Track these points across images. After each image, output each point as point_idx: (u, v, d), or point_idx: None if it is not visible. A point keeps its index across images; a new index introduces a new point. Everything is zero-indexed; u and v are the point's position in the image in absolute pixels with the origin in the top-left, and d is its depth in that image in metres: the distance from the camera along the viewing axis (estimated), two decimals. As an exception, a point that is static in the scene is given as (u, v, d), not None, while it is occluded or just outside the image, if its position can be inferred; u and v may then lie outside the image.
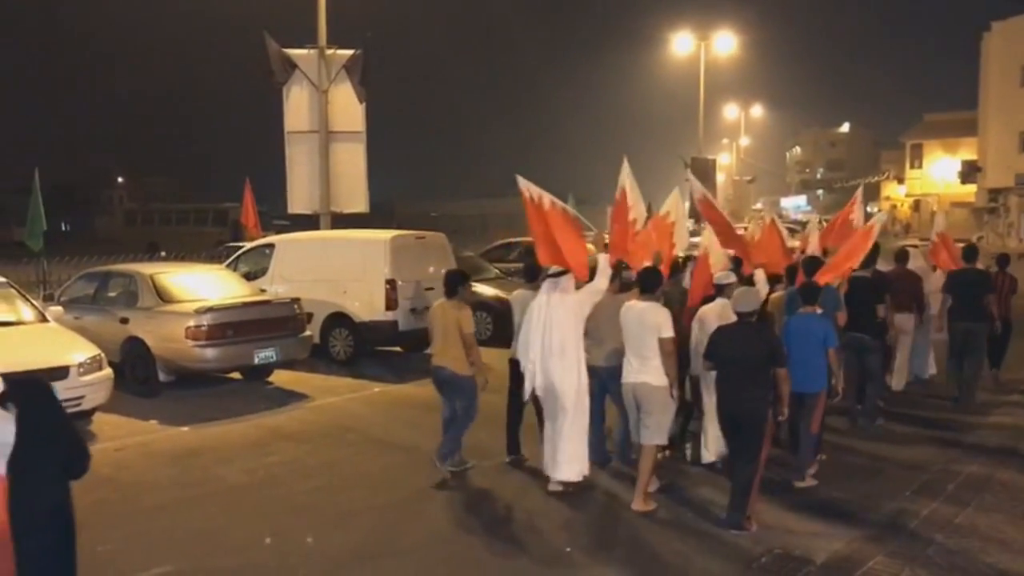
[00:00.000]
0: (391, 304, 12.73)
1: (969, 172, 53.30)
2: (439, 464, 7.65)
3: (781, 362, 6.52)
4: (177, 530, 6.62)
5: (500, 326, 14.86)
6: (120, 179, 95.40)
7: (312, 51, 16.10)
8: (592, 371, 7.44)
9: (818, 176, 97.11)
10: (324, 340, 13.02)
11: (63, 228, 72.98)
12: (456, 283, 7.81)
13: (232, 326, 10.74)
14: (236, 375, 11.88)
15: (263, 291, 12.73)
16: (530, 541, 6.42)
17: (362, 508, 7.12)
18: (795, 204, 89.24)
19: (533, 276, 8.14)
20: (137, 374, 11.03)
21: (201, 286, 11.61)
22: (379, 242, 13.08)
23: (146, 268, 12.24)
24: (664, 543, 6.35)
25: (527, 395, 7.55)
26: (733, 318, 6.85)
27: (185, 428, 9.62)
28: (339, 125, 16.22)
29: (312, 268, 13.45)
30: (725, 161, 66.62)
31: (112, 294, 11.77)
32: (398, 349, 13.95)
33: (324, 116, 16.01)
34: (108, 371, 9.54)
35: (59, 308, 11.45)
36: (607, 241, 8.44)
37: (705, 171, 39.54)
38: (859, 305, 9.14)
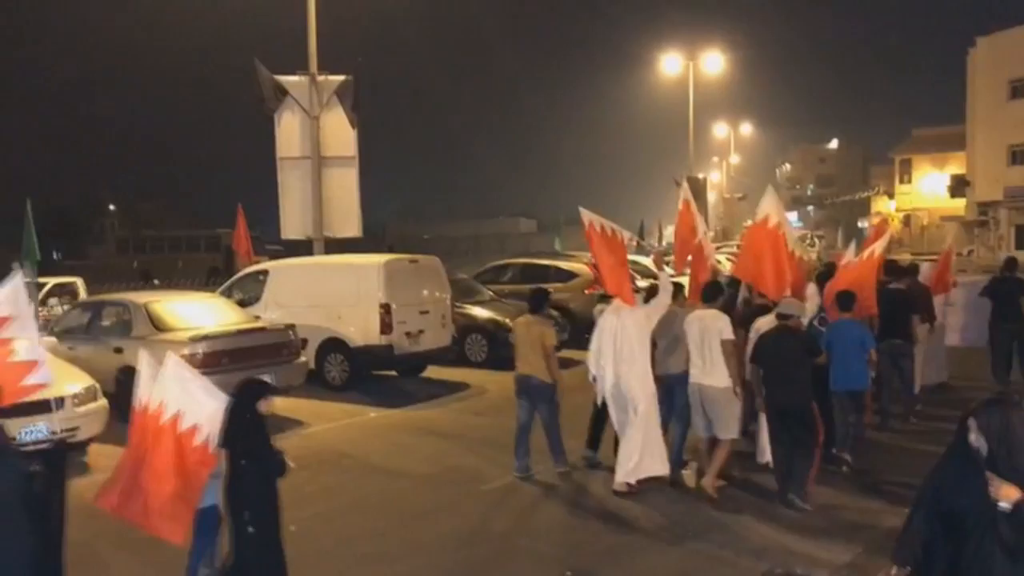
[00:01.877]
0: (386, 328, 12.72)
1: (958, 186, 53.58)
2: (557, 466, 8.43)
3: (816, 352, 7.60)
4: (177, 559, 6.57)
5: (494, 349, 14.88)
6: (112, 206, 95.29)
7: (303, 77, 16.16)
8: (662, 379, 8.10)
9: (808, 192, 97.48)
10: (319, 366, 13.00)
11: (55, 256, 72.75)
12: (541, 301, 8.72)
13: (227, 354, 10.71)
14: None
15: (257, 318, 12.71)
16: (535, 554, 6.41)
17: (360, 534, 7.10)
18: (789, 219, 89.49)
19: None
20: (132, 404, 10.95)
21: (195, 314, 11.59)
22: (373, 267, 13.08)
23: (140, 297, 12.22)
24: (669, 561, 6.34)
25: (599, 400, 8.20)
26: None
27: None
28: (331, 150, 16.26)
29: (306, 294, 13.44)
30: (716, 179, 66.96)
31: (106, 323, 11.74)
32: (393, 373, 13.94)
33: (316, 142, 16.05)
34: (103, 402, 9.50)
35: (53, 339, 11.41)
36: (667, 259, 9.45)
37: (696, 191, 39.76)
38: (894, 314, 9.98)
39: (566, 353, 15.74)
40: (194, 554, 5.38)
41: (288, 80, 16.10)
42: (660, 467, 7.87)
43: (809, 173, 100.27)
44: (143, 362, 5.53)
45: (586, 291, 17.21)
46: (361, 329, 12.84)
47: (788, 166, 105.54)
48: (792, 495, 7.32)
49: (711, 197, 50.94)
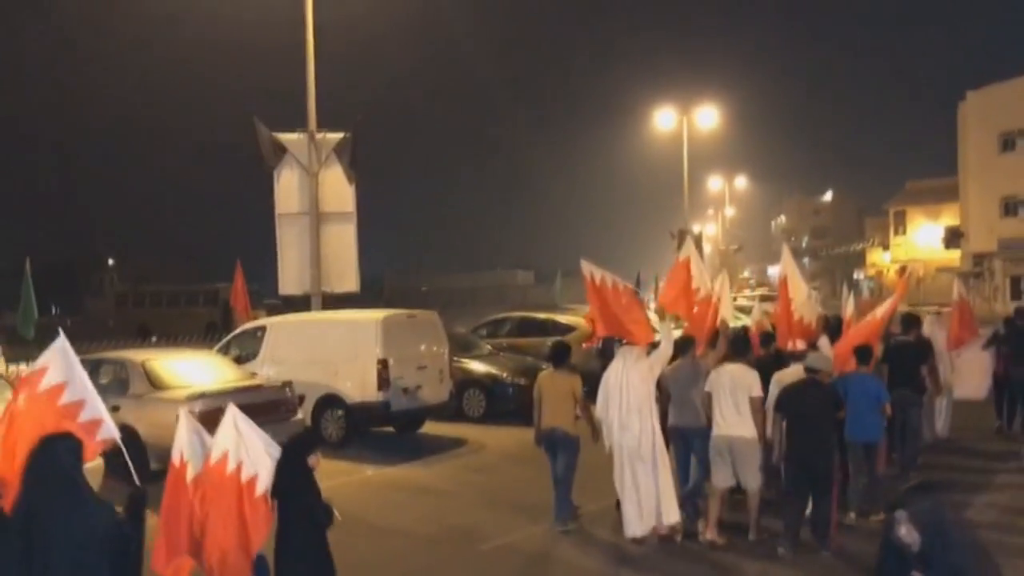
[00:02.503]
0: (383, 384, 12.70)
1: (952, 238, 53.95)
2: (558, 526, 8.43)
3: (840, 406, 7.95)
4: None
5: (492, 403, 14.86)
6: (111, 260, 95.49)
7: (302, 135, 16.35)
8: (677, 431, 8.44)
9: (803, 244, 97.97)
10: (316, 422, 12.95)
11: (53, 311, 72.69)
12: (563, 354, 9.01)
13: (224, 412, 10.65)
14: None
15: (254, 374, 12.70)
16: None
17: (357, 597, 7.01)
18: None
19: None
20: (128, 462, 10.89)
21: (192, 372, 11.58)
22: (370, 322, 13.11)
23: (137, 355, 12.22)
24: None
25: (607, 449, 8.28)
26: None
27: None
28: (329, 206, 16.38)
29: (304, 350, 13.45)
30: (711, 232, 67.32)
31: (103, 381, 11.69)
32: (391, 429, 13.88)
33: (314, 198, 16.18)
34: (98, 461, 9.42)
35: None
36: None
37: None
38: (902, 365, 10.45)
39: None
40: None
41: (287, 138, 16.28)
42: (674, 515, 8.09)
43: (804, 225, 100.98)
44: (182, 420, 5.76)
45: (584, 345, 17.22)
46: (358, 385, 12.82)
47: (783, 218, 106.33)
48: (824, 539, 7.68)
49: (707, 249, 51.12)
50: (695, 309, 10.13)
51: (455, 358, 14.76)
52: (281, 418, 11.36)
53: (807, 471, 7.65)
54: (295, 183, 16.40)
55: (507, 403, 14.67)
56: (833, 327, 10.55)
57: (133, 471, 5.30)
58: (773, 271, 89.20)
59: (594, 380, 16.68)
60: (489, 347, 16.88)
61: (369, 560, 7.94)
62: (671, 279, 10.51)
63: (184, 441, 5.60)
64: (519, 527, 8.37)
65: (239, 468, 5.32)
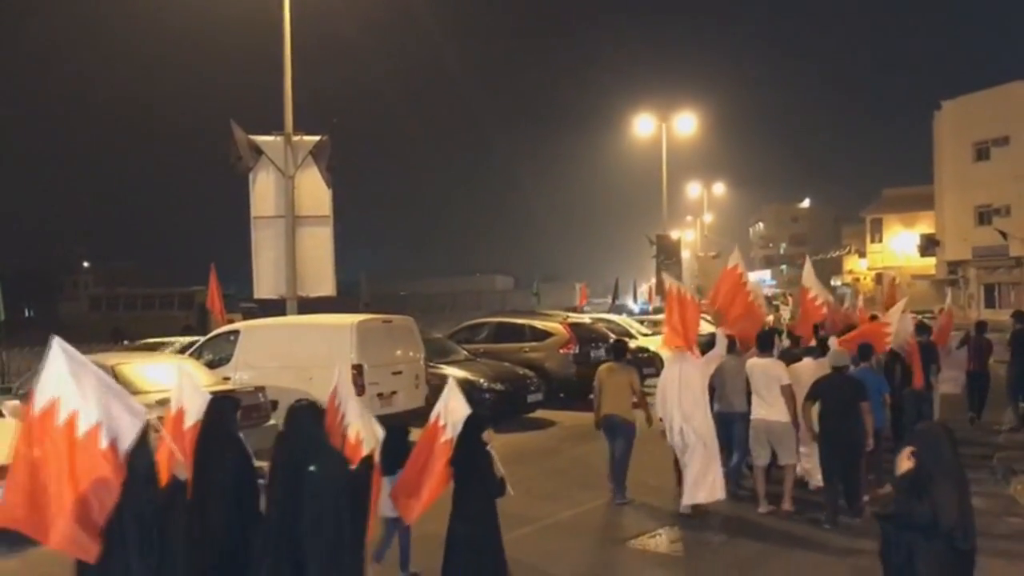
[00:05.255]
0: (358, 390, 12.54)
1: (928, 245, 54.49)
2: (618, 498, 9.72)
3: (864, 397, 8.83)
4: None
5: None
6: (86, 264, 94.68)
7: (278, 137, 16.24)
8: (722, 416, 9.54)
9: (781, 251, 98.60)
10: (290, 428, 12.78)
11: (27, 314, 71.94)
12: (622, 350, 10.48)
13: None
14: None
15: (227, 379, 12.55)
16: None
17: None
18: (759, 279, 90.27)
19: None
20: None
21: (164, 376, 11.41)
22: (345, 327, 12.98)
23: (108, 359, 12.04)
24: None
25: (669, 439, 9.39)
26: (820, 373, 9.21)
27: None
28: (306, 210, 16.27)
29: (277, 354, 13.29)
30: (690, 238, 67.57)
31: (72, 385, 11.55)
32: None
33: (291, 201, 16.07)
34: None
35: (16, 402, 11.18)
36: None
37: (670, 250, 40.07)
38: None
39: (542, 413, 15.73)
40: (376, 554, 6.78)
41: (264, 140, 16.17)
42: (720, 494, 9.12)
43: (782, 232, 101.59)
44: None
45: (560, 350, 17.19)
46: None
47: (761, 225, 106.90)
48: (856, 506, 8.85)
49: (685, 256, 51.31)
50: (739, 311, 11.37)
51: (431, 363, 14.66)
52: (254, 423, 11.22)
53: (838, 452, 8.70)
54: (271, 186, 16.29)
55: (483, 409, 14.57)
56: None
57: (176, 450, 5.16)
58: (751, 277, 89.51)
59: (570, 385, 16.91)
60: (466, 352, 16.79)
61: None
62: (724, 285, 11.64)
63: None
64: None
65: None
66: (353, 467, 5.51)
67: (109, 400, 4.71)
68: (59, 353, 4.63)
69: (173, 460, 5.05)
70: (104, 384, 4.76)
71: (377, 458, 5.95)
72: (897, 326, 11.67)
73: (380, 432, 6.20)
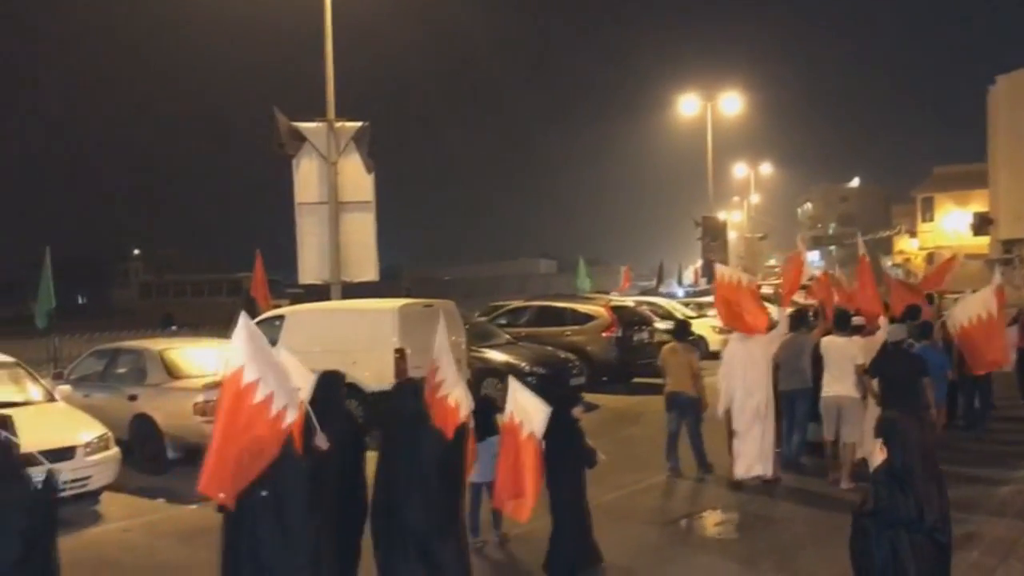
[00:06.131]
0: (401, 374, 12.62)
1: (981, 224, 53.14)
2: (699, 471, 10.10)
3: (925, 372, 9.05)
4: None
5: (475, 396, 14.71)
6: (136, 251, 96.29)
7: (321, 124, 16.30)
8: (786, 393, 9.87)
9: (830, 231, 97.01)
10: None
11: (79, 301, 73.48)
12: (685, 330, 11.17)
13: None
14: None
15: (272, 364, 12.67)
16: None
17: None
18: (808, 259, 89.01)
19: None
20: (146, 452, 10.95)
21: (210, 361, 11.58)
22: (387, 312, 13.05)
23: (154, 344, 12.25)
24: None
25: (720, 412, 9.83)
26: (870, 350, 9.54)
27: (193, 506, 9.48)
28: (348, 195, 16.34)
29: (321, 339, 13.38)
30: (737, 219, 66.81)
31: (121, 371, 11.76)
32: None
33: (333, 187, 16.15)
34: (115, 450, 9.47)
35: (67, 387, 11.41)
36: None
37: (716, 231, 39.67)
38: None
39: (584, 397, 15.67)
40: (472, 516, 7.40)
41: (306, 127, 16.24)
42: (771, 470, 9.61)
43: (831, 212, 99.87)
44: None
45: (603, 334, 17.09)
46: (376, 374, 12.76)
47: (809, 205, 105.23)
48: None
49: (731, 237, 50.74)
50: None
51: (473, 348, 14.68)
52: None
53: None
54: (314, 172, 16.36)
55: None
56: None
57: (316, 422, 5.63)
58: (809, 257, 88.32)
59: (612, 368, 16.81)
60: (507, 336, 16.77)
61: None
62: (790, 269, 12.36)
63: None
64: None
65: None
66: (450, 434, 6.07)
67: (280, 375, 5.33)
68: (243, 329, 5.15)
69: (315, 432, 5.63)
70: (276, 360, 5.45)
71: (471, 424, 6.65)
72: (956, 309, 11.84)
73: (469, 398, 6.80)
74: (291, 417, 5.24)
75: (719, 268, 10.54)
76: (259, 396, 5.09)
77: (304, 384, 5.98)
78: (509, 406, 6.94)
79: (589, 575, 7.02)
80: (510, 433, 6.89)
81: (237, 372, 5.08)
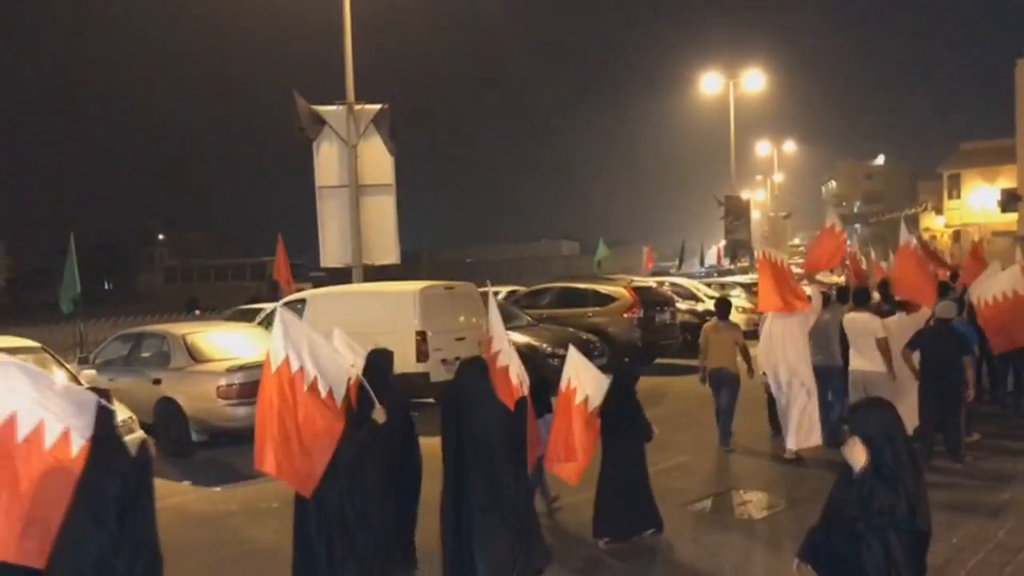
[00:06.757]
0: (422, 356, 12.67)
1: (1009, 200, 52.39)
2: (724, 445, 10.52)
3: (966, 350, 9.45)
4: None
5: (532, 374, 14.69)
6: (161, 236, 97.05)
7: (340, 107, 16.28)
8: (820, 369, 10.01)
9: (855, 210, 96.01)
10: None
11: (105, 287, 74.23)
12: (727, 308, 11.16)
13: (263, 384, 10.72)
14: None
15: (295, 347, 12.73)
16: None
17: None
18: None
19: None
20: (170, 435, 11.06)
21: (233, 345, 11.65)
22: (409, 294, 13.07)
23: (178, 328, 12.33)
24: None
25: (763, 383, 10.30)
26: (911, 328, 9.85)
27: (217, 488, 9.60)
28: (369, 178, 16.33)
29: (343, 322, 13.21)
30: (760, 198, 66.27)
31: (145, 355, 11.85)
32: (431, 400, 13.86)
33: (354, 170, 16.15)
34: (140, 433, 9.54)
35: (92, 371, 11.51)
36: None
37: (739, 210, 39.38)
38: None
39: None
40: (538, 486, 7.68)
41: (326, 110, 16.23)
42: (818, 439, 9.78)
43: (856, 190, 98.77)
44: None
45: (624, 315, 17.04)
46: (398, 356, 12.52)
47: (834, 183, 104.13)
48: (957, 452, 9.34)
49: (755, 216, 50.36)
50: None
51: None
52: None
53: (938, 402, 9.24)
54: (334, 155, 16.36)
55: (547, 373, 14.54)
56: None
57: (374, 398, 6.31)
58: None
59: (634, 349, 16.76)
60: (528, 318, 16.75)
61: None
62: (823, 242, 12.88)
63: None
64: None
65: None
66: (511, 407, 6.24)
67: (325, 358, 5.61)
68: (281, 322, 5.46)
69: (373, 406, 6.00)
70: (320, 344, 5.66)
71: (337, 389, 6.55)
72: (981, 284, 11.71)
73: (525, 375, 6.88)
74: (340, 394, 5.62)
75: (764, 250, 10.77)
76: (307, 383, 5.43)
77: (360, 360, 6.30)
78: (566, 373, 7.14)
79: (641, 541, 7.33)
80: (565, 398, 7.08)
81: (283, 364, 5.39)
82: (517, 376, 6.47)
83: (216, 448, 11.09)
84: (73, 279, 15.51)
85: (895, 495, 3.95)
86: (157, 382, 11.17)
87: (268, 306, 15.70)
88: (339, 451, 5.54)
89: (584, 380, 7.13)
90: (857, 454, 4.02)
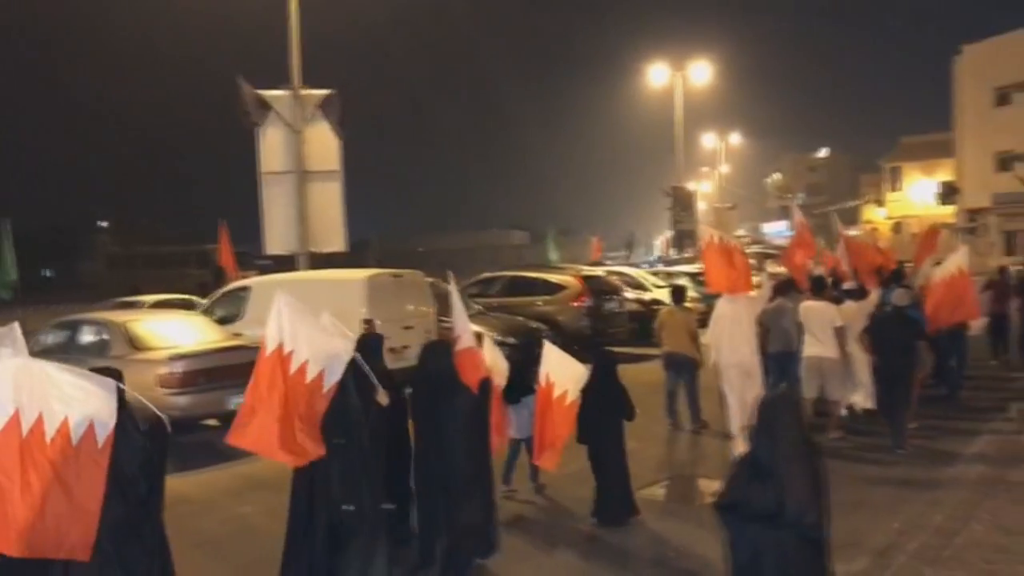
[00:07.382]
0: (369, 344, 12.54)
1: (947, 193, 53.66)
2: (693, 424, 10.96)
3: (923, 336, 9.99)
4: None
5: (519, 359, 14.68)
6: (104, 223, 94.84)
7: (286, 92, 16.06)
8: (775, 356, 10.32)
9: (799, 201, 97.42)
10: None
11: (46, 274, 72.39)
12: (682, 294, 11.67)
13: (205, 372, 10.57)
14: (212, 422, 11.66)
15: (238, 335, 12.55)
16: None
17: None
18: (776, 230, 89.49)
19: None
20: (110, 424, 10.81)
21: (174, 333, 11.44)
22: (355, 282, 12.94)
23: (118, 316, 12.07)
24: None
25: (711, 366, 10.10)
26: (860, 314, 10.34)
27: (203, 471, 9.47)
28: (315, 164, 16.14)
29: (289, 310, 13.26)
30: (706, 189, 66.93)
31: (84, 343, 11.58)
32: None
33: (299, 156, 15.94)
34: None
35: (29, 359, 11.24)
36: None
37: (685, 201, 39.73)
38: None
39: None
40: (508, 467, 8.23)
41: (271, 94, 15.99)
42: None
43: (799, 182, 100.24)
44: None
45: (573, 303, 17.10)
46: (344, 345, 12.66)
47: (778, 175, 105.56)
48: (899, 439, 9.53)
49: (701, 207, 50.87)
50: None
51: (442, 318, 14.59)
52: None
53: (892, 384, 9.54)
54: (280, 141, 16.12)
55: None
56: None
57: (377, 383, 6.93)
58: (768, 228, 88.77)
59: (582, 337, 16.84)
60: (478, 307, 16.71)
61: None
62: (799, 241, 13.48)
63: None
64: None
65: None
66: (475, 389, 6.47)
67: (319, 341, 5.71)
68: (277, 307, 5.61)
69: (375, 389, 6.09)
70: (316, 328, 5.79)
71: (498, 382, 7.21)
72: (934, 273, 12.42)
73: (503, 362, 7.42)
74: (334, 377, 5.70)
75: (704, 229, 10.81)
76: (295, 366, 5.58)
77: (350, 345, 6.23)
78: (543, 368, 7.32)
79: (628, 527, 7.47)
80: (544, 394, 7.30)
81: (277, 348, 5.55)
82: (480, 358, 6.73)
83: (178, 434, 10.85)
84: (8, 266, 15.08)
85: (757, 485, 3.81)
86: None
87: (147, 298, 15.60)
88: (336, 430, 5.68)
89: (561, 374, 7.32)
90: (738, 443, 3.99)
